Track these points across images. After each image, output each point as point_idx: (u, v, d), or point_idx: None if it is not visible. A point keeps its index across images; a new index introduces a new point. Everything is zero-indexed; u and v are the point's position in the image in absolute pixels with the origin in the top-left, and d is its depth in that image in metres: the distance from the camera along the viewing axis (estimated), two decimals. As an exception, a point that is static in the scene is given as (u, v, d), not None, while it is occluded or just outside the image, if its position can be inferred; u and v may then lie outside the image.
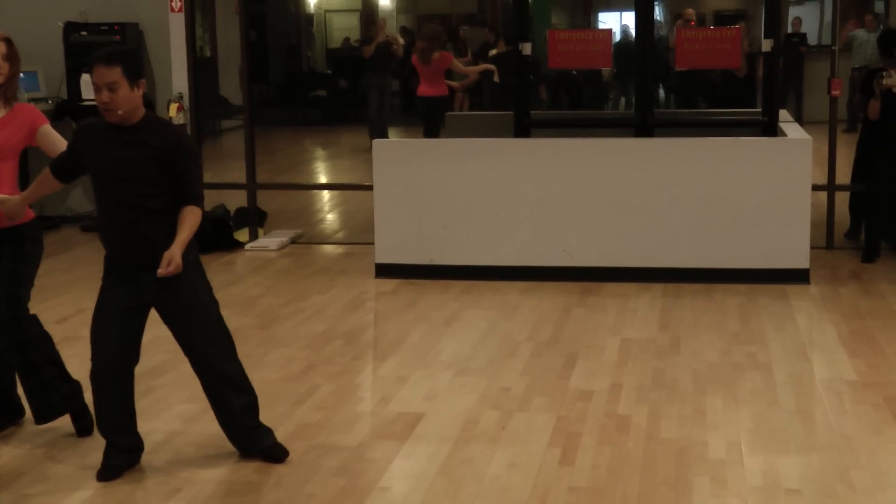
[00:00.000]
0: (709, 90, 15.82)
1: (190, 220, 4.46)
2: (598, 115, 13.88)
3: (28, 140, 5.03)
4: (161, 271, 4.35)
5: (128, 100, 4.39)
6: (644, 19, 8.53)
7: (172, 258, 4.36)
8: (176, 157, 4.44)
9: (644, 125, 8.48)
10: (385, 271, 8.17)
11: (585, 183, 7.93)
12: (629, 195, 7.89)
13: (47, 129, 5.04)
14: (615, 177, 7.91)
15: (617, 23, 20.04)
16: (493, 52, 14.74)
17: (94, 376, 4.60)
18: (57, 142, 5.01)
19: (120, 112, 4.40)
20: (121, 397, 4.66)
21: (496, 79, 13.37)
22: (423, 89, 11.72)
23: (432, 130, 11.50)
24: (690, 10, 16.29)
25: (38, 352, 5.02)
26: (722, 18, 19.08)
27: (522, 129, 8.64)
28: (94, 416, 4.83)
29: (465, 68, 13.30)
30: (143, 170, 4.43)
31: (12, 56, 4.96)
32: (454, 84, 12.62)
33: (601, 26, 20.37)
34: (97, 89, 4.39)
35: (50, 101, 10.21)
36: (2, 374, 5.14)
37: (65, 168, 4.72)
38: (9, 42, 4.96)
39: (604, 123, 10.16)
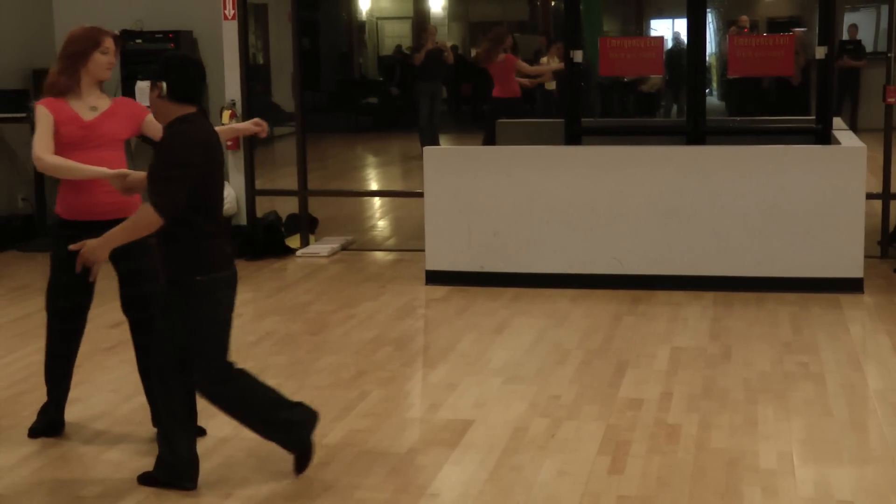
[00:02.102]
0: (762, 97, 15.70)
1: (136, 216, 4.41)
2: (649, 122, 13.83)
3: (135, 132, 5.21)
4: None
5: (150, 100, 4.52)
6: (696, 26, 8.48)
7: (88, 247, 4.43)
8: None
9: (696, 133, 8.44)
10: (435, 278, 8.19)
11: (636, 191, 7.91)
12: (680, 203, 7.85)
13: (151, 117, 5.16)
14: (666, 185, 7.87)
15: (669, 30, 19.97)
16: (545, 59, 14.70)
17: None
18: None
19: None
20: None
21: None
22: (496, 91, 12.00)
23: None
24: (745, 17, 16.19)
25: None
26: (775, 25, 18.94)
27: (573, 136, 8.62)
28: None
29: (534, 68, 13.37)
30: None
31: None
32: (524, 81, 12.72)
33: (653, 33, 20.31)
34: None
35: (105, 109, 10.31)
36: (64, 378, 5.25)
37: None
38: (117, 40, 5.17)
39: (655, 131, 10.12)
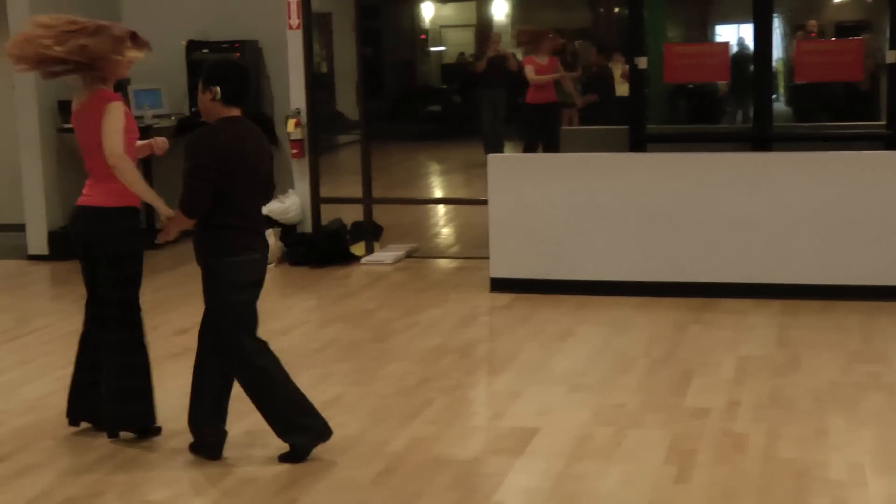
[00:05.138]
0: (829, 103, 15.49)
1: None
2: (714, 129, 13.70)
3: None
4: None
5: (200, 102, 4.91)
6: (762, 31, 8.41)
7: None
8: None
9: (762, 139, 8.36)
10: (499, 286, 8.17)
11: (702, 197, 7.83)
12: (746, 210, 7.77)
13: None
14: (732, 191, 7.80)
15: (734, 35, 19.76)
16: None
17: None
18: None
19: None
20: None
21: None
22: (529, 96, 12.34)
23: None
24: (813, 22, 15.99)
25: None
26: (844, 30, 18.68)
27: (638, 143, 8.58)
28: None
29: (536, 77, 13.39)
30: None
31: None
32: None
33: (718, 39, 20.13)
34: None
35: (173, 118, 10.46)
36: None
37: None
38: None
39: (720, 137, 10.03)
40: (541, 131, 12.34)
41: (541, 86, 12.46)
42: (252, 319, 4.94)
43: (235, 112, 4.87)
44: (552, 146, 11.78)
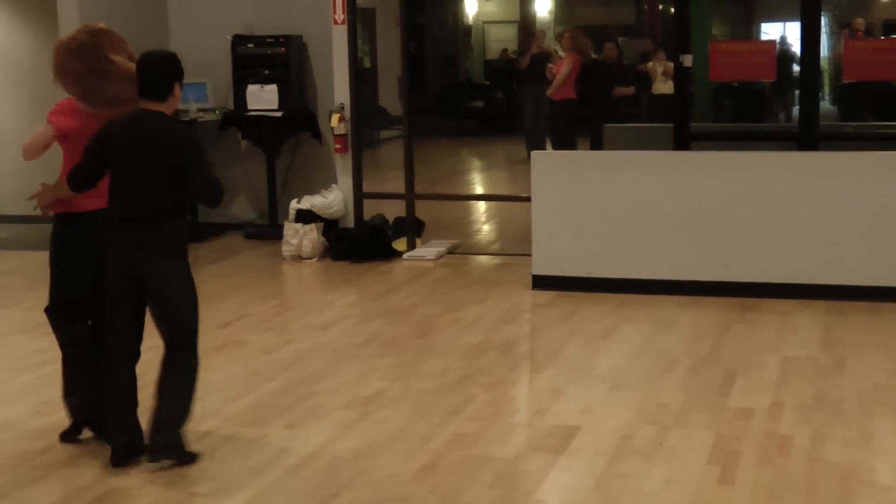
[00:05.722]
0: (876, 102, 15.33)
1: None
2: (760, 127, 13.60)
3: None
4: None
5: None
6: (810, 29, 8.33)
7: None
8: None
9: (808, 138, 8.28)
10: (542, 283, 8.15)
11: (746, 196, 7.78)
12: (791, 209, 7.70)
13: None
14: (777, 191, 7.73)
15: (779, 33, 19.60)
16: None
17: None
18: None
19: None
20: None
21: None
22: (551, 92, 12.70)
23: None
24: (860, 20, 15.85)
25: None
26: (891, 28, 18.49)
27: (682, 141, 8.52)
28: None
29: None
30: None
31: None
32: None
33: (763, 37, 19.97)
34: None
35: (217, 112, 10.52)
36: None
37: None
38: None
39: (766, 136, 9.95)
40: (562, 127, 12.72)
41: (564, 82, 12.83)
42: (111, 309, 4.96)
43: (150, 104, 4.84)
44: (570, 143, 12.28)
